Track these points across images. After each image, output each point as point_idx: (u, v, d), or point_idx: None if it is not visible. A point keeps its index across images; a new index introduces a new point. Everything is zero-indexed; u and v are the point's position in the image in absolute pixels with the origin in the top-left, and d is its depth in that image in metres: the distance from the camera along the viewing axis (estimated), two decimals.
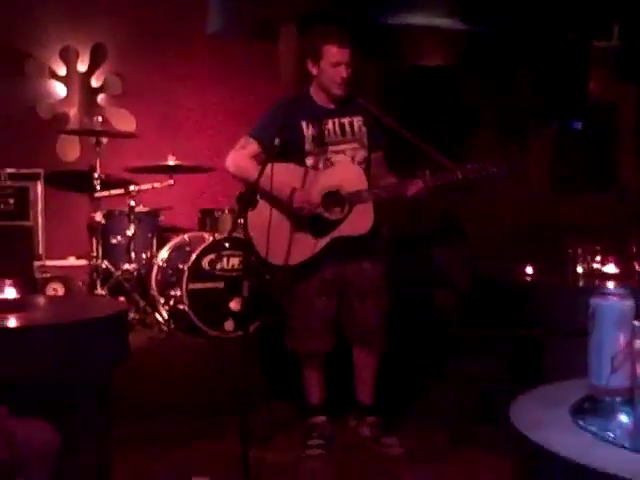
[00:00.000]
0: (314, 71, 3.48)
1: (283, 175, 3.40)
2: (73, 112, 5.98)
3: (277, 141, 3.24)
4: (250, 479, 2.99)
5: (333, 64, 3.41)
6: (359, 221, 3.42)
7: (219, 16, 6.22)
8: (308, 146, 3.49)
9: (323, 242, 3.47)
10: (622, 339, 1.23)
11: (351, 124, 3.54)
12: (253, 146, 3.48)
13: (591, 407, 1.27)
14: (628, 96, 7.20)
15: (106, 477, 2.57)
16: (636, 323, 1.12)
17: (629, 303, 1.27)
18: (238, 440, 3.06)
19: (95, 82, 6.06)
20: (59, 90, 5.96)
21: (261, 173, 3.23)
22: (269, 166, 3.32)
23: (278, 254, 3.45)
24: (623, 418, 1.20)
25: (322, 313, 3.55)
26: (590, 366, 1.29)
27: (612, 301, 1.28)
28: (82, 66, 6.01)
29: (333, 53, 3.41)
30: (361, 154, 3.55)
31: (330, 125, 3.51)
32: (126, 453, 3.27)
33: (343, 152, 3.51)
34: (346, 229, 3.45)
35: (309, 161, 3.49)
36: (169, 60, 6.21)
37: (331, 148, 3.51)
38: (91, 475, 2.47)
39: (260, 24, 6.00)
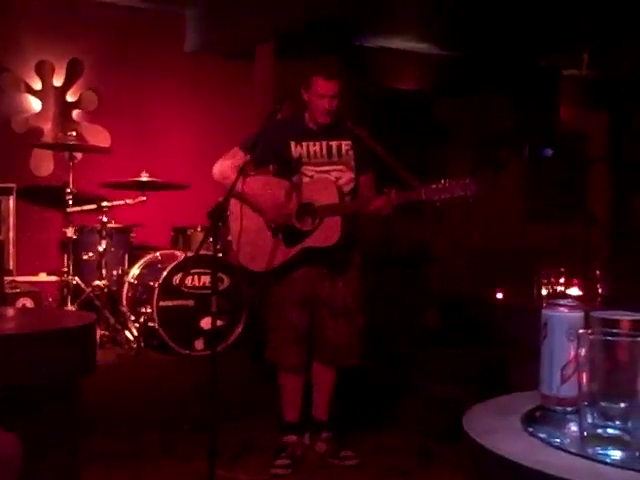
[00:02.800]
0: (305, 97, 3.63)
1: (265, 188, 3.64)
2: (47, 127, 5.98)
3: (248, 157, 3.39)
4: None
5: (319, 95, 3.56)
6: (327, 233, 3.54)
7: (197, 35, 6.28)
8: (295, 165, 3.64)
9: (293, 251, 3.61)
10: (572, 350, 1.27)
11: (339, 147, 3.67)
12: (240, 157, 3.60)
13: (542, 416, 1.30)
14: (598, 125, 7.34)
15: None
16: (581, 331, 1.15)
17: (579, 314, 1.31)
18: (205, 459, 3.06)
19: (70, 97, 6.06)
20: (34, 104, 5.95)
21: (234, 184, 3.36)
22: (254, 178, 3.64)
23: (253, 260, 3.65)
24: (572, 426, 1.23)
25: (296, 325, 3.65)
26: (541, 376, 1.33)
27: (562, 312, 1.32)
28: (58, 81, 6.01)
29: (319, 85, 3.56)
30: (347, 176, 3.67)
31: (317, 147, 3.66)
32: (93, 469, 3.26)
33: (328, 173, 3.64)
34: (315, 240, 3.58)
35: (295, 178, 3.63)
36: (145, 77, 6.24)
37: (317, 168, 3.66)
38: None
39: (237, 44, 6.07)
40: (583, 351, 1.13)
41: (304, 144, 3.65)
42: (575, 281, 3.50)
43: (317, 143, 3.66)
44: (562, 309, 1.32)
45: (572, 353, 1.27)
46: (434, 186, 3.38)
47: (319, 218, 3.54)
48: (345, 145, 3.68)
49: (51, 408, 2.28)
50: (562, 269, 3.50)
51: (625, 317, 1.26)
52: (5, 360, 2.11)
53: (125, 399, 4.15)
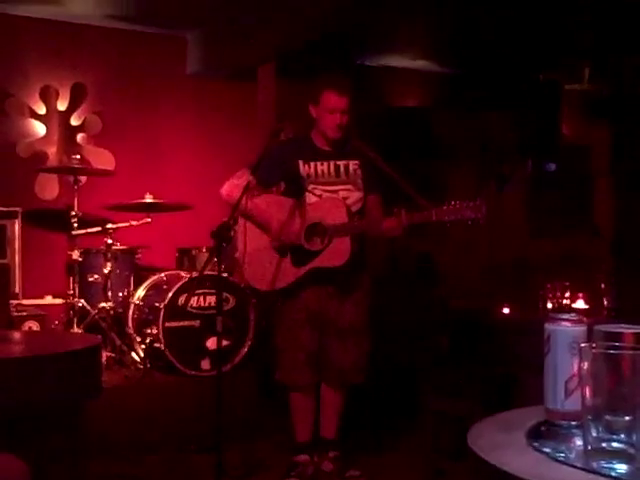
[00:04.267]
0: (314, 114, 3.63)
1: (272, 207, 3.63)
2: (52, 151, 6.01)
3: (252, 179, 3.40)
4: None
5: (329, 110, 3.56)
6: (336, 253, 3.52)
7: (198, 57, 6.32)
8: (303, 184, 3.64)
9: (302, 271, 3.59)
10: (575, 363, 1.26)
11: (346, 167, 3.67)
12: (248, 178, 3.59)
13: (547, 431, 1.29)
14: (601, 138, 7.35)
15: None
16: (583, 345, 1.15)
17: (582, 328, 1.31)
18: (213, 479, 3.06)
19: (74, 121, 6.10)
20: (38, 129, 5.98)
21: (238, 202, 3.39)
22: (261, 198, 3.62)
23: (260, 279, 3.64)
24: (577, 440, 1.23)
25: (306, 345, 3.64)
26: (545, 390, 1.32)
27: (565, 326, 1.31)
28: (62, 105, 6.05)
29: (330, 100, 3.57)
30: (355, 196, 3.67)
31: (325, 166, 3.66)
32: None
33: (336, 192, 3.64)
34: (324, 260, 3.55)
35: (303, 197, 3.63)
36: (148, 100, 6.28)
37: (325, 188, 3.65)
38: None
39: (238, 65, 6.10)
40: (586, 365, 1.12)
41: (312, 164, 3.65)
42: (580, 295, 3.49)
43: (325, 163, 3.66)
44: (564, 323, 1.31)
45: (575, 367, 1.26)
46: (445, 207, 3.36)
47: (328, 238, 3.53)
48: (353, 165, 3.68)
49: (57, 431, 2.29)
50: (567, 283, 3.50)
51: (628, 330, 1.26)
52: (11, 383, 2.11)
53: (132, 420, 4.15)
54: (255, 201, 3.59)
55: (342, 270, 3.54)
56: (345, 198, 3.64)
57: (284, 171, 3.66)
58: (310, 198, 3.64)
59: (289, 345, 3.67)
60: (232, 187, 3.66)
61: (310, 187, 3.63)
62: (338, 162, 3.67)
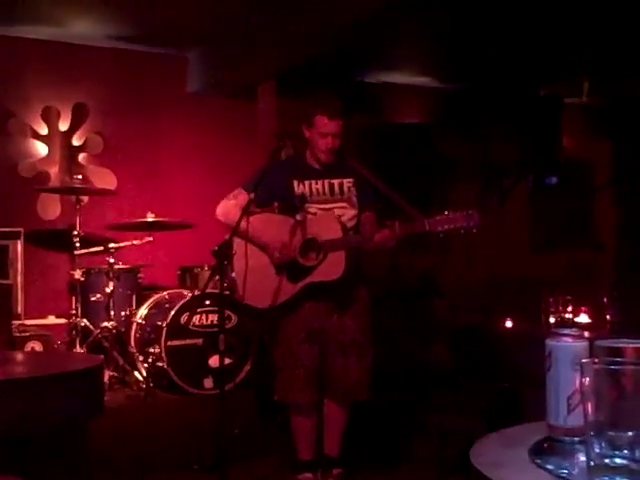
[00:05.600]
0: (307, 135, 3.64)
1: (269, 226, 3.65)
2: (54, 171, 6.02)
3: (252, 195, 3.41)
4: None
5: (322, 134, 3.57)
6: (331, 268, 3.53)
7: (199, 76, 6.35)
8: (298, 203, 3.65)
9: (298, 287, 3.60)
10: (577, 379, 1.26)
11: (340, 185, 3.69)
12: (243, 198, 3.60)
13: (549, 447, 1.29)
14: (602, 152, 7.36)
15: None
16: (584, 361, 1.15)
17: (583, 343, 1.31)
18: None
19: (76, 141, 6.12)
20: (40, 149, 6.00)
21: (238, 223, 3.40)
22: (258, 217, 3.61)
23: (257, 297, 3.64)
24: (580, 456, 1.22)
25: (305, 363, 3.62)
26: (548, 406, 1.32)
27: (566, 342, 1.31)
28: (63, 125, 6.07)
29: (323, 124, 3.59)
30: (350, 213, 3.69)
31: (320, 185, 3.68)
32: None
33: (331, 210, 3.66)
34: (319, 275, 3.56)
35: (299, 216, 3.63)
36: (149, 119, 6.30)
37: (320, 206, 3.67)
38: None
39: (239, 83, 6.13)
40: (587, 380, 1.12)
41: (306, 183, 3.67)
42: (583, 309, 3.49)
43: (319, 181, 3.69)
44: (565, 339, 1.31)
45: (577, 383, 1.26)
46: (437, 217, 3.39)
47: (323, 253, 3.55)
48: (347, 183, 3.71)
49: (60, 451, 2.28)
50: (569, 297, 3.50)
51: (629, 345, 1.26)
52: (13, 404, 2.11)
53: (135, 440, 4.13)
54: (253, 221, 3.57)
55: (338, 284, 3.55)
56: (340, 216, 3.65)
57: (279, 190, 3.68)
58: (305, 216, 3.65)
59: (288, 363, 3.66)
60: (228, 207, 3.68)
61: (305, 206, 3.65)
62: (332, 180, 3.70)
